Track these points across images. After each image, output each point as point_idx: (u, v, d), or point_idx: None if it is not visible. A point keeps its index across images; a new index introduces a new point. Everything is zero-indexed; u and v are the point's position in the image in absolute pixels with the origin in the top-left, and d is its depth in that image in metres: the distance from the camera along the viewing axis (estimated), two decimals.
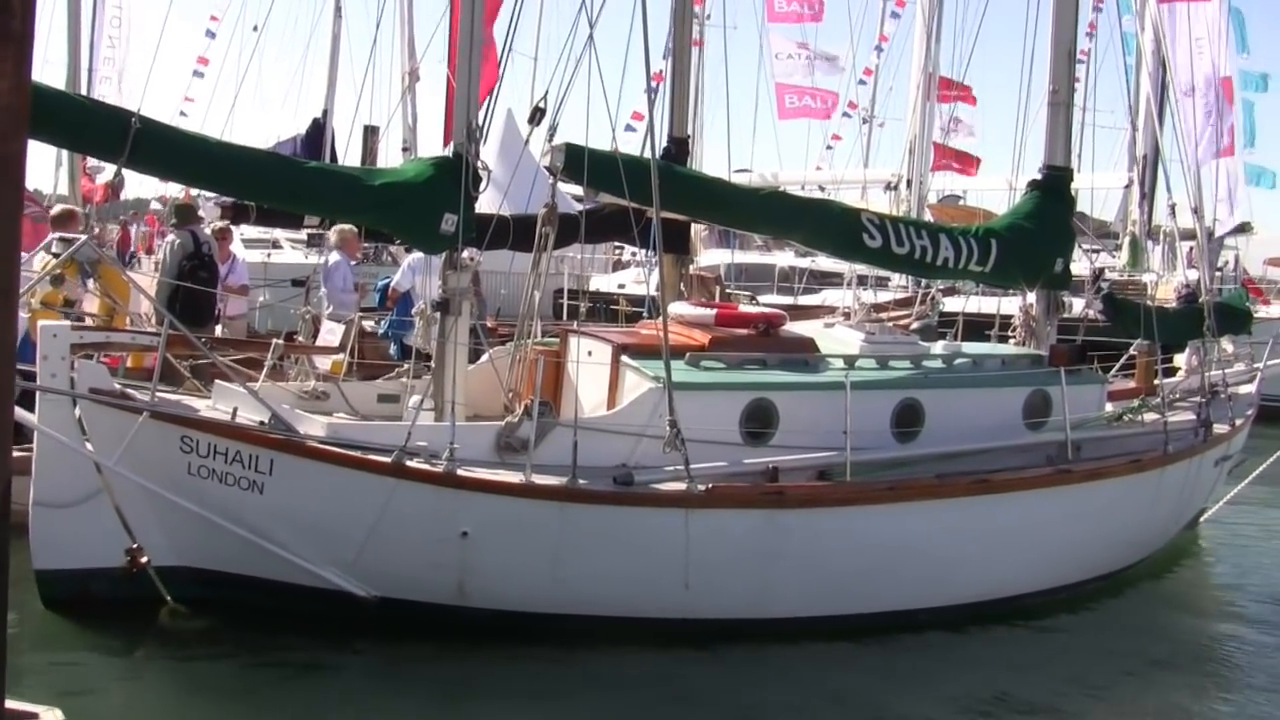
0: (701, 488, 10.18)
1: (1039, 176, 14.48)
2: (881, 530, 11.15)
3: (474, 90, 11.30)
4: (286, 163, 12.94)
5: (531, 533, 9.99)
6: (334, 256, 17.50)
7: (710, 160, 31.39)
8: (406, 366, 12.62)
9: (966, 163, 38.66)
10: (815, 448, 11.19)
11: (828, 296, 30.98)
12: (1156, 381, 15.22)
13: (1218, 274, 33.73)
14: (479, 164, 11.04)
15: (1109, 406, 14.48)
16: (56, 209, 16.17)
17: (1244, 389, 17.45)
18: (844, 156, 41.46)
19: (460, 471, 9.77)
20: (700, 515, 10.23)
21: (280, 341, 12.92)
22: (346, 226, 16.56)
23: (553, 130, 11.70)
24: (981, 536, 11.74)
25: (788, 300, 30.71)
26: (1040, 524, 12.18)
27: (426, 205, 10.72)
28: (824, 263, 27.40)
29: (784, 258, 36.48)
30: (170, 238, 15.81)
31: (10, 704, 5.26)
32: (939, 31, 29.80)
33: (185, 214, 15.93)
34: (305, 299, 16.03)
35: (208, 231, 16.20)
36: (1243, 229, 42.31)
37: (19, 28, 4.56)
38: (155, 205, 40.61)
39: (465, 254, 11.17)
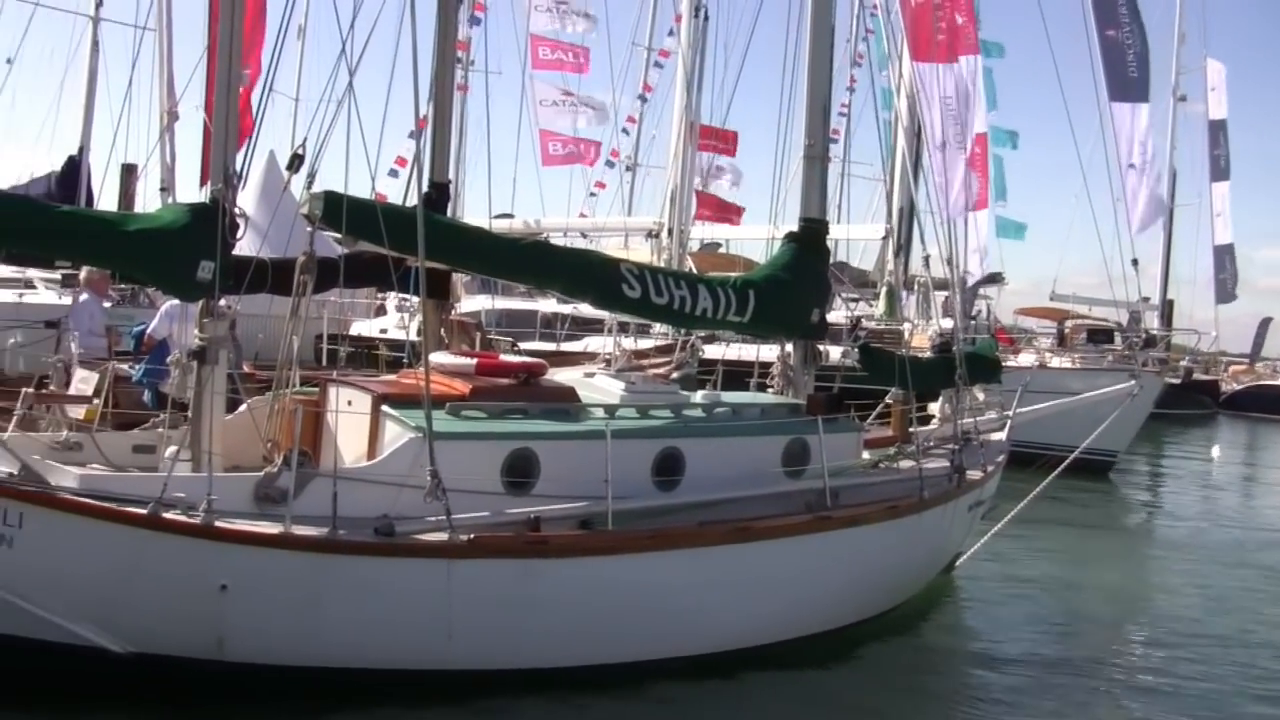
0: (464, 538, 10.16)
1: (795, 229, 14.77)
2: (644, 579, 11.25)
3: (231, 135, 11.09)
4: (35, 206, 12.49)
5: (291, 585, 9.82)
6: (83, 296, 17.09)
7: (472, 205, 31.30)
8: (163, 416, 12.30)
9: (729, 211, 39.31)
10: (577, 497, 11.23)
11: (590, 343, 31.21)
12: (911, 429, 15.62)
13: (971, 323, 34.75)
14: (236, 210, 10.90)
15: (865, 453, 14.84)
16: None
17: (995, 436, 18.08)
18: (607, 203, 42.02)
19: (218, 523, 9.55)
20: (463, 565, 10.19)
21: (30, 390, 12.50)
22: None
23: (312, 176, 11.60)
24: (742, 584, 11.91)
25: (550, 347, 30.85)
26: (799, 570, 12.41)
27: (182, 252, 10.53)
28: (586, 309, 27.53)
29: (546, 304, 36.54)
30: None
31: None
32: (700, 81, 30.25)
33: None
34: (56, 345, 15.57)
35: None
36: (994, 279, 43.87)
37: None
38: None
39: (222, 302, 10.97)
